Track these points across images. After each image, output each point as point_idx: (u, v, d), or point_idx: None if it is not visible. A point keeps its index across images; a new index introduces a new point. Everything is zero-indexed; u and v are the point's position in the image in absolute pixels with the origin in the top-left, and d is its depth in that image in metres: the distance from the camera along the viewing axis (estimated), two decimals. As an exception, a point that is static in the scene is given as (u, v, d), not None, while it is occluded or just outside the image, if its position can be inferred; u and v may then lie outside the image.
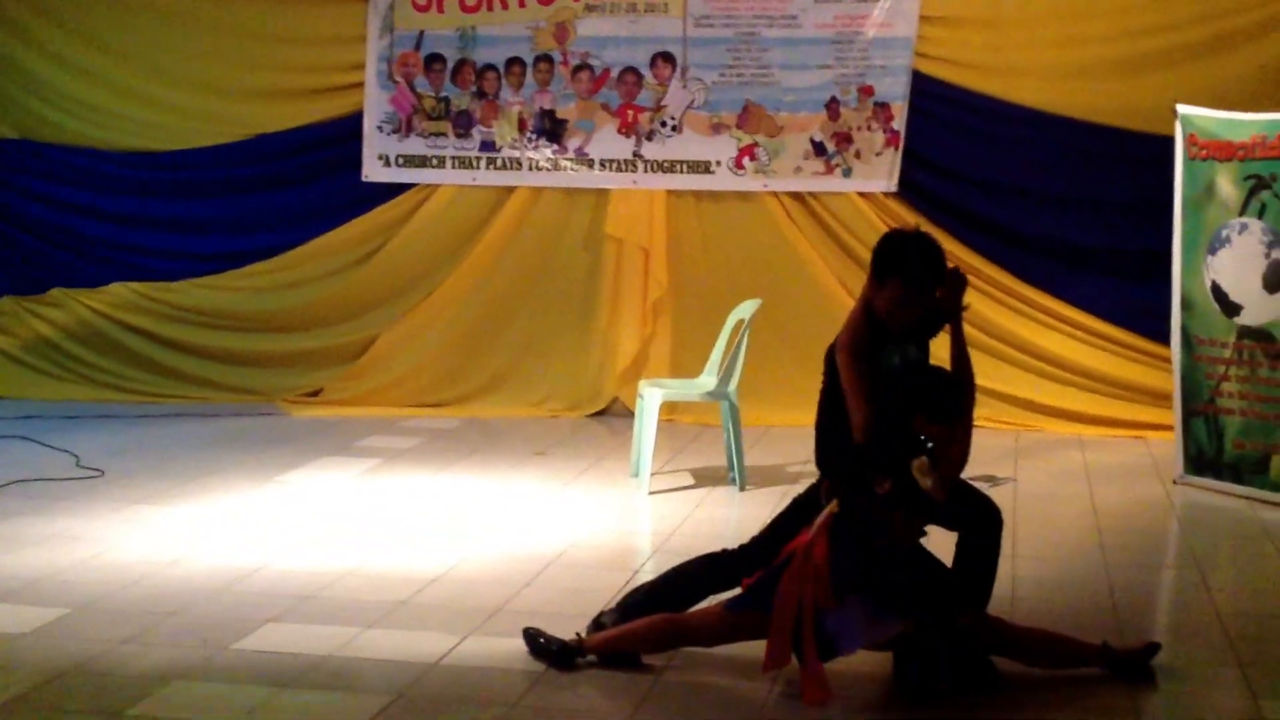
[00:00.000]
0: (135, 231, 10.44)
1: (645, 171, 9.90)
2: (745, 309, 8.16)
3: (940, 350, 5.28)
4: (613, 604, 5.48)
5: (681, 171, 9.87)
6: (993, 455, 8.45)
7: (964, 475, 5.16)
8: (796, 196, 9.83)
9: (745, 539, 5.45)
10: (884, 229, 7.03)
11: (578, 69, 9.95)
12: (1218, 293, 7.77)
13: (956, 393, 5.05)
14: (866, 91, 9.63)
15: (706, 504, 7.59)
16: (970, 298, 5.30)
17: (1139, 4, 9.37)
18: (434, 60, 10.08)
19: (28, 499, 7.43)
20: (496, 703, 4.82)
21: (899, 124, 9.60)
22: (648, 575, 5.93)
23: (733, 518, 7.36)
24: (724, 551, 5.48)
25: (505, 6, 9.97)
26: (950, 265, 5.25)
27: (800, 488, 5.47)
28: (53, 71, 10.35)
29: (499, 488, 7.92)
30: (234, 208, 10.37)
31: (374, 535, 6.89)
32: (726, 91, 9.80)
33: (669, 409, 8.92)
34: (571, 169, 9.99)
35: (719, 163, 9.82)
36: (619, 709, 4.81)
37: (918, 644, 4.89)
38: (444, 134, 10.10)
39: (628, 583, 5.97)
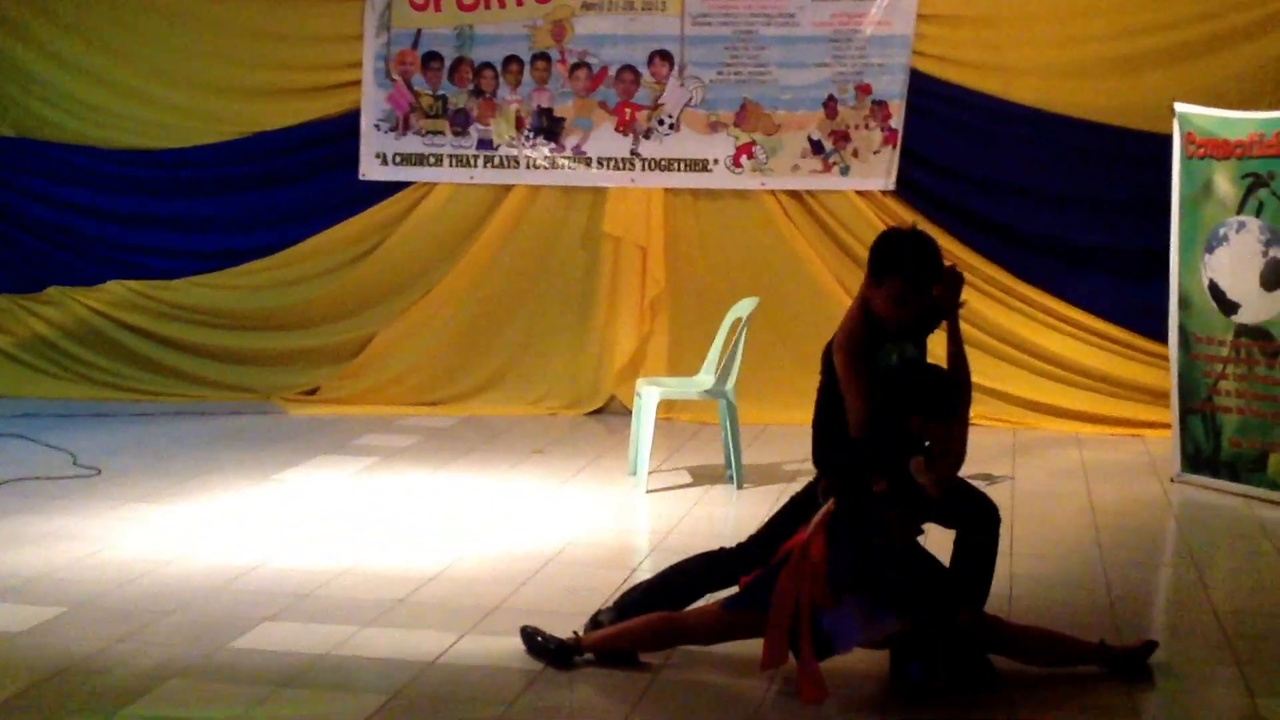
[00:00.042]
0: (133, 230, 10.43)
1: (643, 170, 9.89)
2: (743, 307, 8.16)
3: (937, 348, 5.28)
4: (610, 602, 5.47)
5: (679, 170, 9.86)
6: (990, 453, 8.45)
7: (961, 473, 5.15)
8: (794, 195, 9.82)
9: (743, 537, 5.45)
10: (881, 227, 7.04)
11: (575, 67, 9.94)
12: (1215, 291, 7.77)
13: (954, 391, 5.05)
14: (864, 90, 9.63)
15: (704, 502, 7.59)
16: (968, 296, 5.32)
17: (1137, 2, 9.37)
18: (431, 58, 10.07)
19: (24, 497, 7.42)
20: (494, 701, 4.82)
21: (897, 122, 9.60)
22: (645, 574, 5.93)
23: (730, 516, 7.36)
24: (721, 550, 5.48)
25: (503, 5, 9.96)
26: (947, 263, 5.26)
27: (798, 486, 5.47)
28: (50, 70, 10.34)
29: (496, 486, 7.91)
30: (231, 206, 10.36)
31: (371, 534, 6.89)
32: (724, 90, 9.80)
33: (666, 407, 8.92)
34: (569, 167, 9.99)
35: (716, 161, 9.82)
36: (616, 707, 4.81)
37: (916, 642, 4.89)
38: (441, 132, 10.10)
39: (625, 581, 5.97)
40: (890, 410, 4.97)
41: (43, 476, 7.87)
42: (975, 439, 5.22)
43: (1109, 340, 9.46)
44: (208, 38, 10.22)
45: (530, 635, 5.21)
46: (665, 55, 9.83)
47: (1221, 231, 7.74)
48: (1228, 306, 7.72)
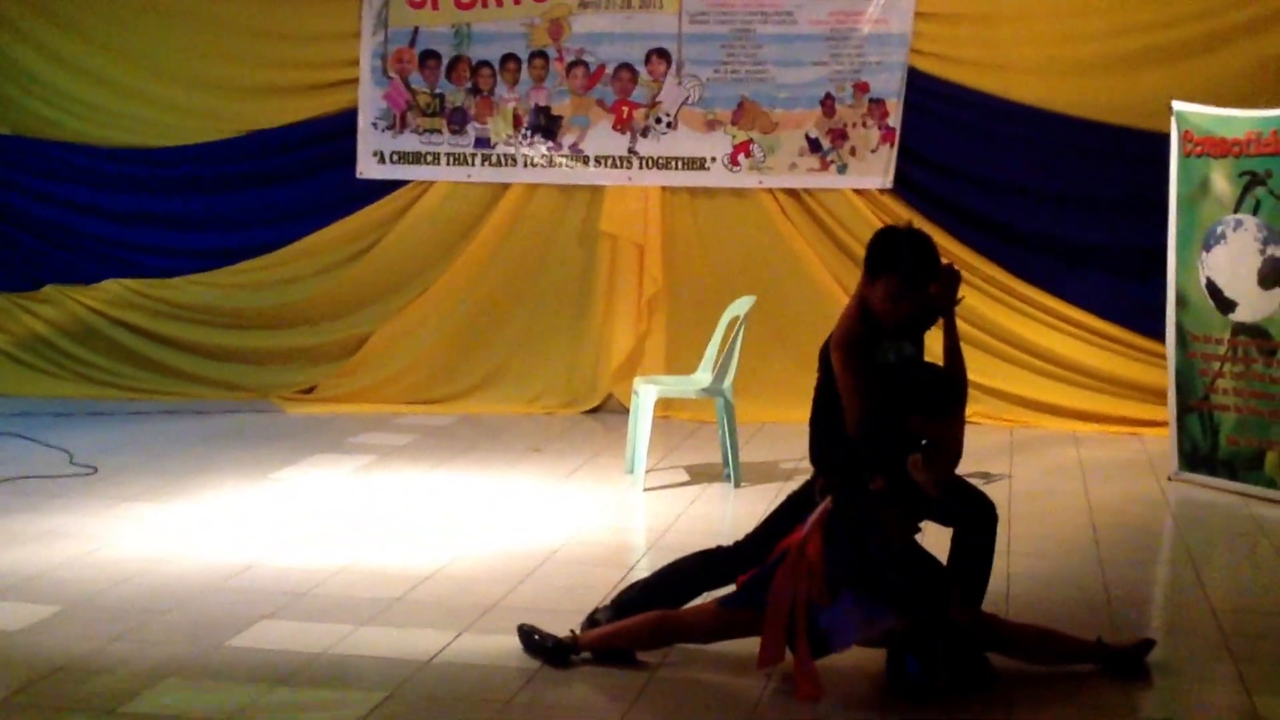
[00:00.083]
0: (130, 228, 10.43)
1: (640, 168, 9.89)
2: (740, 305, 8.16)
3: (935, 346, 5.28)
4: (607, 601, 5.47)
5: (676, 168, 9.86)
6: (988, 451, 8.45)
7: (959, 471, 5.15)
8: (791, 193, 9.82)
9: (740, 536, 5.45)
10: (879, 226, 7.02)
11: (573, 65, 9.93)
12: (1212, 289, 7.77)
13: (951, 390, 5.05)
14: (862, 88, 9.63)
15: (701, 501, 7.59)
16: (965, 294, 5.31)
17: (1134, 1, 9.37)
18: (429, 56, 10.07)
19: (21, 496, 7.41)
20: (491, 700, 4.81)
21: (894, 121, 9.59)
22: (642, 572, 5.93)
23: (727, 514, 7.36)
24: (719, 548, 5.48)
25: (500, 3, 9.95)
26: (944, 261, 5.26)
27: (795, 484, 5.48)
28: (48, 69, 10.33)
29: (493, 484, 7.91)
30: (229, 204, 10.36)
31: (368, 532, 6.88)
32: (722, 88, 9.79)
33: (664, 406, 8.91)
34: (566, 165, 9.98)
35: (714, 159, 9.82)
36: (613, 706, 4.80)
37: (913, 641, 4.88)
38: (438, 130, 10.09)
39: (622, 579, 5.97)
40: (888, 408, 4.97)
41: (39, 475, 7.85)
42: (972, 437, 5.22)
43: (1106, 338, 9.46)
44: (205, 36, 10.22)
45: (527, 633, 5.20)
46: (663, 53, 9.83)
47: (1219, 230, 7.73)
48: (1225, 305, 7.72)
